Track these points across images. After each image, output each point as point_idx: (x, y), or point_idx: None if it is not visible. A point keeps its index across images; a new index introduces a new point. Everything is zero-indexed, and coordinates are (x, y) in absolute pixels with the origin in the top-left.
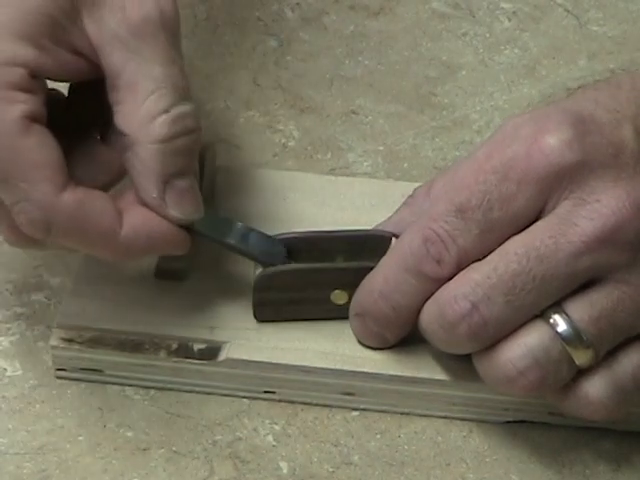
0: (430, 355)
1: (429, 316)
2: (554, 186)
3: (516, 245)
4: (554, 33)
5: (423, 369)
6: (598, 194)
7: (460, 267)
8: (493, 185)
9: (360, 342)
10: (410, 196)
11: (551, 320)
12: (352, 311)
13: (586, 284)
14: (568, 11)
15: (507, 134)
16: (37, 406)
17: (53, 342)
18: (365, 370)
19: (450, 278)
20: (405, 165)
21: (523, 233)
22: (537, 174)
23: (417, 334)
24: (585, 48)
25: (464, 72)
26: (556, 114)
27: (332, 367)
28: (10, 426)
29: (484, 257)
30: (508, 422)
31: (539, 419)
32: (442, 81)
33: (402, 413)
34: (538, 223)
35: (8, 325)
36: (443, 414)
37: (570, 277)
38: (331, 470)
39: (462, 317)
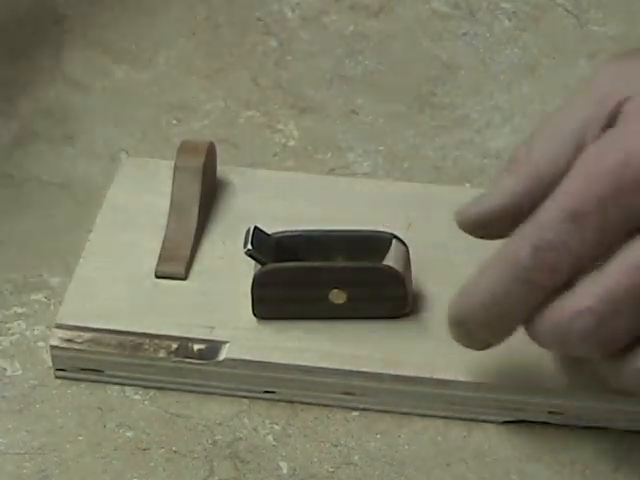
0: (430, 354)
1: (545, 330)
2: None
3: (636, 254)
4: (554, 33)
5: (423, 369)
6: None
7: (574, 275)
8: (607, 187)
9: (357, 342)
10: (511, 160)
11: None
12: (450, 320)
13: None
14: (568, 11)
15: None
16: (37, 406)
17: (53, 342)
18: (365, 370)
19: (567, 286)
20: (405, 165)
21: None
22: None
23: (416, 333)
24: (585, 48)
25: (464, 72)
26: None
27: (332, 367)
28: (10, 426)
29: (597, 261)
30: (508, 422)
31: (539, 419)
32: (442, 81)
33: (402, 413)
34: None
35: (8, 325)
36: (443, 414)
37: None
38: (331, 470)
39: (588, 332)
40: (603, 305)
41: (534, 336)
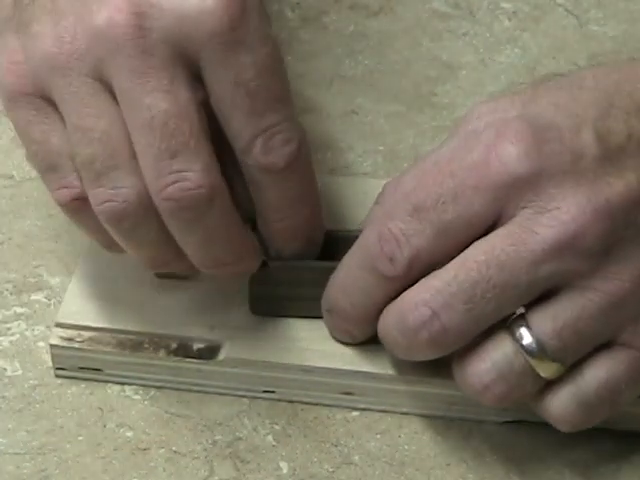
0: None
1: (389, 322)
2: (511, 194)
3: (476, 253)
4: (554, 33)
5: (423, 369)
6: (558, 201)
7: (413, 267)
8: (449, 188)
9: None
10: (380, 193)
11: (515, 333)
12: (322, 307)
13: (550, 293)
14: (568, 11)
15: (469, 138)
16: (37, 406)
17: (53, 341)
18: (365, 370)
19: (405, 278)
20: (405, 165)
21: (483, 240)
22: (494, 182)
23: None
24: (585, 48)
25: (464, 72)
26: (516, 122)
27: (332, 367)
28: (10, 426)
29: (439, 260)
30: (508, 422)
31: (539, 419)
32: (442, 81)
33: (402, 413)
34: (499, 230)
35: (8, 325)
36: (443, 414)
37: (531, 285)
38: (331, 470)
39: (422, 324)
40: (438, 297)
41: (381, 333)
